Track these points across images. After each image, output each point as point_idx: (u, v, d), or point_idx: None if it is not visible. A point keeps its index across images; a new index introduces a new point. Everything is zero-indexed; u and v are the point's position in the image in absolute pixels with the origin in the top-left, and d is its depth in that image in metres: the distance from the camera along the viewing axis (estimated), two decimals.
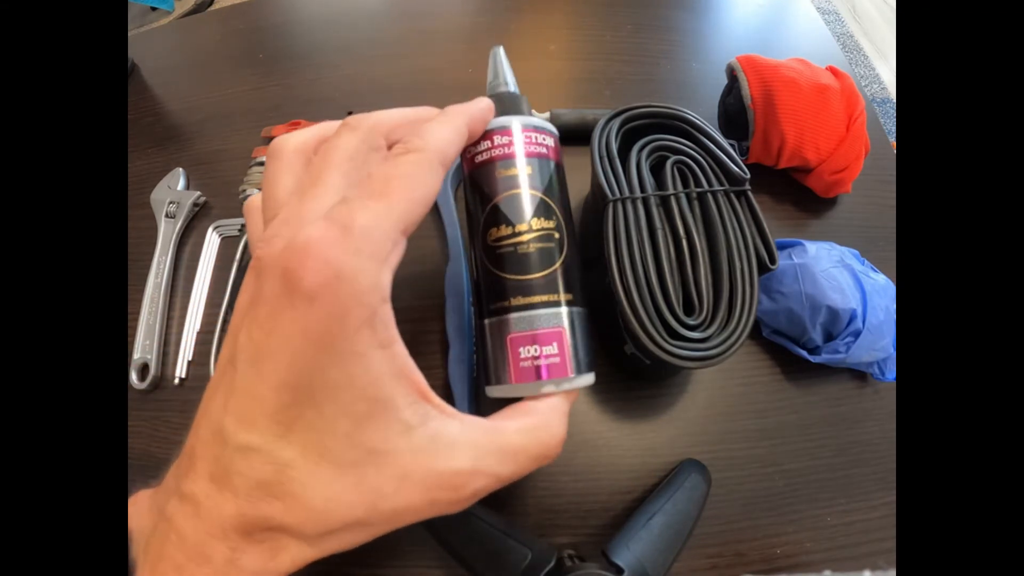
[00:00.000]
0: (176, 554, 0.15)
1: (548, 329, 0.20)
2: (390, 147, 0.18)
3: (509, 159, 0.21)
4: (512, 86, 0.25)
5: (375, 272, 0.15)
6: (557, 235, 0.21)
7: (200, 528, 0.15)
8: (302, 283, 0.14)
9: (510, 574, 0.23)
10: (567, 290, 0.21)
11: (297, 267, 0.14)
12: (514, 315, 0.20)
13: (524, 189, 0.21)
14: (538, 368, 0.19)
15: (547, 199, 0.21)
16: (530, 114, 0.23)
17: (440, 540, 0.25)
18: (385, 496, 0.15)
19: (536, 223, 0.21)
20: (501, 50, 0.26)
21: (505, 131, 0.21)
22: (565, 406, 0.19)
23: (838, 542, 0.28)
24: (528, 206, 0.21)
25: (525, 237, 0.20)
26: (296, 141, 0.19)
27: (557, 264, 0.21)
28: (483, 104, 0.21)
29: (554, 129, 0.23)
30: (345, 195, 0.16)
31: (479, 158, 0.22)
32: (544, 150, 0.22)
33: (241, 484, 0.15)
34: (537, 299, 0.20)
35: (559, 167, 0.23)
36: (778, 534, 0.28)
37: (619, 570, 0.22)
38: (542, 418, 0.19)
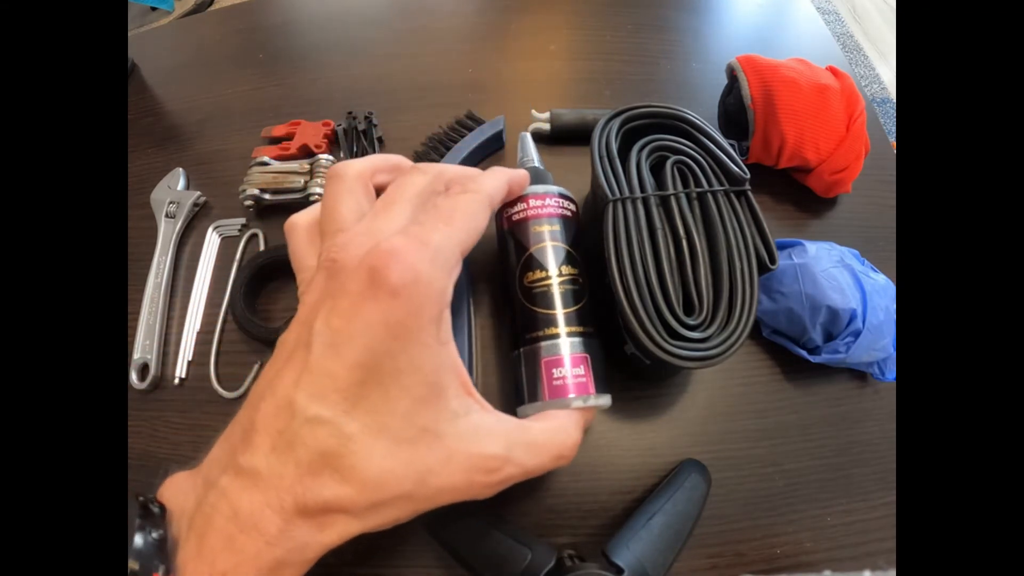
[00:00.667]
0: (227, 526, 0.16)
1: (575, 354, 0.24)
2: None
3: (542, 218, 0.26)
4: (539, 163, 0.31)
5: (444, 280, 0.18)
6: (581, 280, 0.26)
7: (256, 499, 0.16)
8: (387, 280, 0.17)
9: (510, 574, 0.23)
10: (590, 324, 0.25)
11: (383, 267, 0.17)
12: (546, 343, 0.24)
13: (555, 242, 0.26)
14: (567, 386, 0.23)
15: (572, 251, 0.26)
16: (553, 184, 0.28)
17: (440, 540, 0.25)
18: (433, 472, 0.17)
19: (565, 269, 0.25)
20: (528, 135, 0.33)
21: (539, 196, 0.27)
22: (579, 419, 0.22)
23: (838, 542, 0.28)
24: (559, 256, 0.25)
25: (556, 280, 0.25)
26: (357, 168, 0.22)
27: (582, 303, 0.25)
28: (522, 172, 0.26)
29: (573, 196, 0.28)
30: (418, 219, 0.20)
31: (516, 216, 0.26)
32: (569, 213, 0.27)
33: (304, 454, 0.16)
34: (566, 330, 0.24)
35: (579, 227, 0.28)
36: (778, 534, 0.28)
37: (619, 570, 0.22)
38: (561, 423, 0.21)
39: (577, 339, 0.24)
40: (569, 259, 0.25)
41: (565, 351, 0.23)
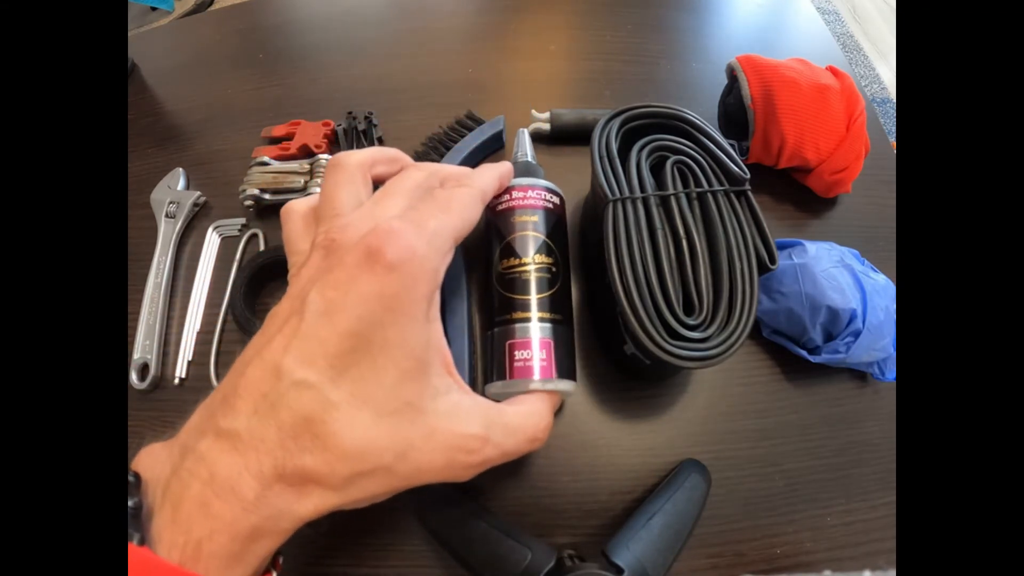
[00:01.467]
0: (204, 491, 0.15)
1: (539, 338, 0.24)
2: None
3: (523, 209, 0.27)
4: (531, 157, 0.33)
5: (438, 261, 0.19)
6: (554, 269, 0.26)
7: (235, 463, 0.16)
8: (385, 257, 0.17)
9: (510, 574, 0.23)
10: (558, 311, 0.26)
11: (381, 245, 0.18)
12: (514, 326, 0.25)
13: (532, 232, 0.27)
14: (530, 368, 0.24)
15: (549, 241, 0.27)
16: (543, 179, 0.29)
17: (440, 540, 0.25)
18: (415, 448, 0.18)
19: (538, 258, 0.26)
20: (526, 131, 0.34)
21: (522, 188, 0.28)
22: (550, 403, 0.23)
23: (838, 542, 0.28)
24: (533, 245, 0.26)
25: (529, 267, 0.26)
26: (358, 158, 0.22)
27: (552, 291, 0.26)
28: (508, 166, 0.27)
29: (560, 190, 0.29)
30: (415, 207, 0.21)
31: (500, 206, 0.28)
32: (551, 205, 0.28)
33: (287, 417, 0.16)
34: (535, 315, 0.25)
35: (561, 219, 0.29)
36: (778, 534, 0.28)
37: (619, 570, 0.22)
38: (534, 407, 0.22)
39: (544, 324, 0.25)
40: (545, 248, 0.26)
41: (530, 335, 0.24)
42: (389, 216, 0.19)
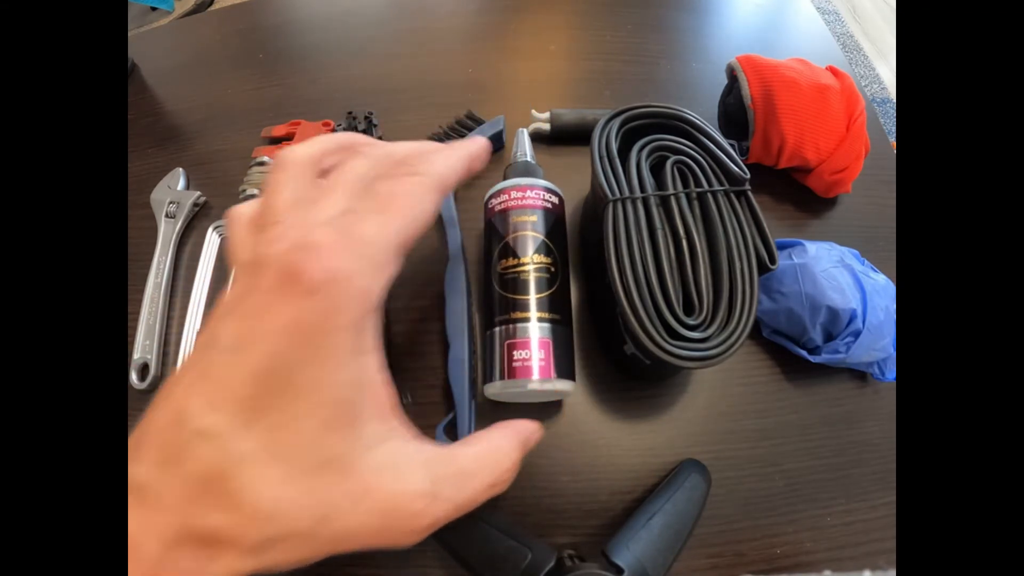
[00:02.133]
0: None
1: (538, 339, 0.24)
2: None
3: (521, 209, 0.27)
4: (531, 157, 0.32)
5: (371, 277, 0.16)
6: (553, 269, 0.27)
7: (140, 519, 0.14)
8: (302, 279, 0.15)
9: (510, 574, 0.23)
10: (557, 311, 0.26)
11: (299, 265, 0.15)
12: (512, 326, 0.25)
13: (530, 232, 0.27)
14: (528, 368, 0.23)
15: (548, 241, 0.27)
16: (542, 178, 0.30)
17: (440, 540, 0.25)
18: (339, 510, 0.15)
19: (537, 258, 0.26)
20: (525, 131, 0.34)
21: (520, 188, 0.28)
22: (515, 437, 0.20)
23: (838, 542, 0.28)
24: (532, 245, 0.26)
25: (527, 268, 0.26)
26: (301, 154, 0.19)
27: (551, 291, 0.26)
28: (481, 142, 0.22)
29: (559, 190, 0.30)
30: (350, 207, 0.17)
31: (499, 207, 0.28)
32: (550, 205, 0.28)
33: (193, 469, 0.14)
34: (532, 315, 0.25)
35: (560, 219, 0.29)
36: (778, 534, 0.28)
37: (619, 570, 0.22)
38: (495, 444, 0.19)
39: (543, 324, 0.25)
40: (544, 248, 0.26)
41: (529, 335, 0.24)
42: (319, 223, 0.16)
